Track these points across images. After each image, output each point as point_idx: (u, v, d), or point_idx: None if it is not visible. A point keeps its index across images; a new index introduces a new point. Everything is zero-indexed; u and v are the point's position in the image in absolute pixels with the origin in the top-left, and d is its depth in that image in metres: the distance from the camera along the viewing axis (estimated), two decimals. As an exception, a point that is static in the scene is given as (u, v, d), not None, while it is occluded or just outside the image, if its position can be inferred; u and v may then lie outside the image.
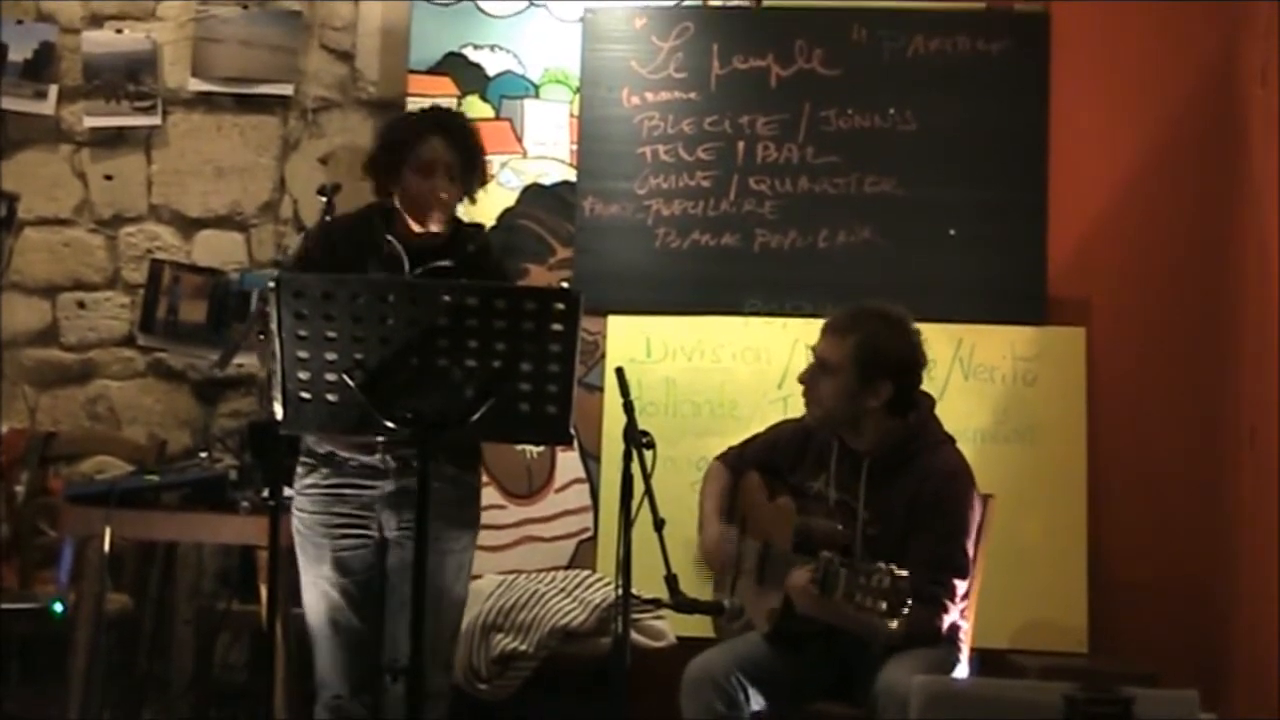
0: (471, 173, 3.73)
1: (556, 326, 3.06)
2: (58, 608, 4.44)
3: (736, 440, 4.18)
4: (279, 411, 3.14)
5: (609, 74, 4.99)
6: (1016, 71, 4.88)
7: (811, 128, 4.93)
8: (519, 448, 4.82)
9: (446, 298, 3.04)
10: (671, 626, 4.48)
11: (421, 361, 3.06)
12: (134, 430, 5.17)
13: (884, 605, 3.32)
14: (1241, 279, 4.70)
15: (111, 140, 5.26)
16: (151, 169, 5.26)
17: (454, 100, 4.95)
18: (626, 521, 3.31)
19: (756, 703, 3.72)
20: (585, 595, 4.55)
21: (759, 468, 4.03)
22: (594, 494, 4.89)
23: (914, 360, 3.81)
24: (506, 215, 5.00)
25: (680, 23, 4.99)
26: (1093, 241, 4.86)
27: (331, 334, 3.06)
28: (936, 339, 4.00)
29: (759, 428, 4.17)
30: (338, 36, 5.24)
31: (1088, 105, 4.87)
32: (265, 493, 3.99)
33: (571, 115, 5.02)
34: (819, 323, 3.90)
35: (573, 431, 3.16)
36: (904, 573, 3.33)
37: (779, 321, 4.85)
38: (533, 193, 5.02)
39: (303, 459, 3.76)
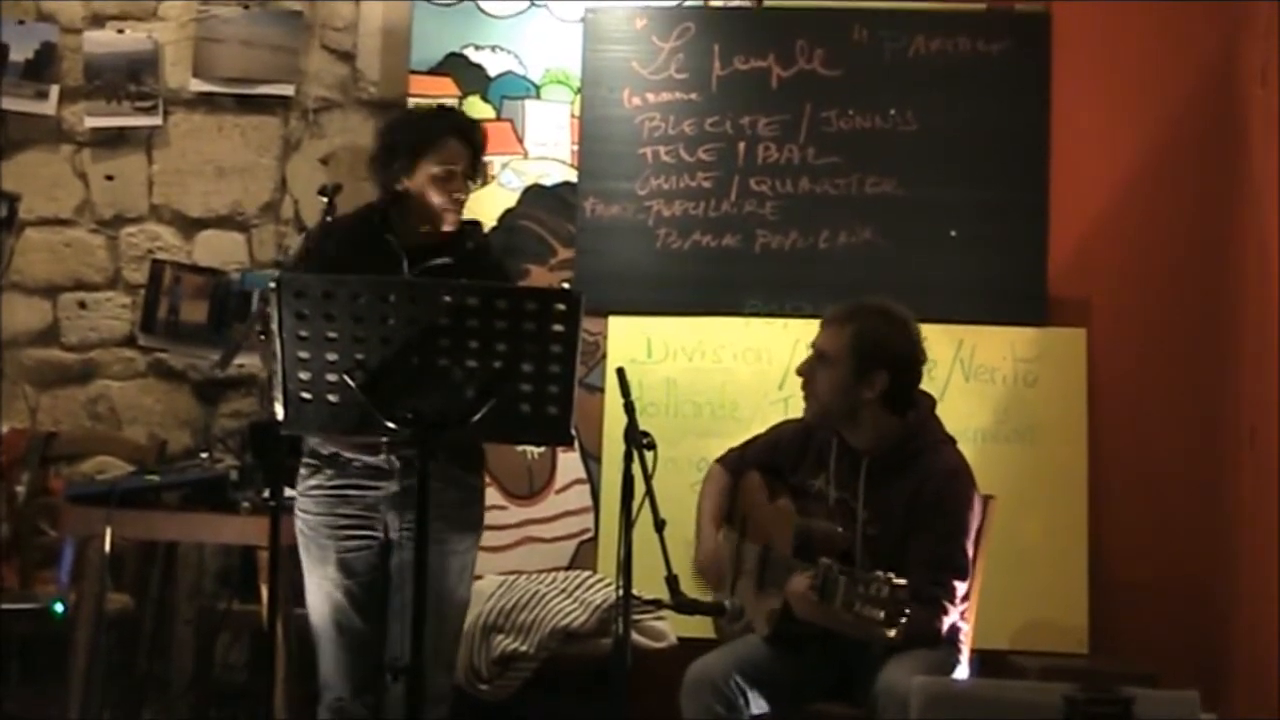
0: (477, 174, 3.78)
1: (557, 327, 3.05)
2: (58, 608, 4.44)
3: (737, 441, 4.16)
4: (280, 412, 3.14)
5: (610, 74, 4.99)
6: (1017, 72, 4.88)
7: (812, 128, 4.93)
8: (520, 448, 4.82)
9: (447, 298, 3.04)
10: (672, 627, 4.48)
11: (422, 361, 3.05)
12: (135, 430, 5.17)
13: (881, 614, 3.31)
14: (1241, 279, 4.70)
15: (112, 140, 5.26)
16: (152, 169, 5.26)
17: (454, 101, 4.95)
18: (627, 522, 3.30)
19: (757, 705, 3.71)
20: (586, 596, 4.55)
21: (760, 468, 4.03)
22: (595, 495, 4.89)
23: (911, 354, 3.78)
24: (507, 216, 5.00)
25: (681, 23, 4.99)
26: (1093, 241, 4.86)
27: (332, 334, 3.06)
28: (937, 340, 4.00)
29: (760, 428, 4.16)
30: (339, 37, 5.24)
31: (1088, 105, 4.87)
32: (266, 493, 3.98)
33: (572, 116, 5.02)
34: (820, 323, 3.89)
35: (573, 432, 3.17)
36: (902, 582, 3.32)
37: (780, 322, 4.85)
38: (534, 193, 5.02)
39: (307, 460, 3.76)
